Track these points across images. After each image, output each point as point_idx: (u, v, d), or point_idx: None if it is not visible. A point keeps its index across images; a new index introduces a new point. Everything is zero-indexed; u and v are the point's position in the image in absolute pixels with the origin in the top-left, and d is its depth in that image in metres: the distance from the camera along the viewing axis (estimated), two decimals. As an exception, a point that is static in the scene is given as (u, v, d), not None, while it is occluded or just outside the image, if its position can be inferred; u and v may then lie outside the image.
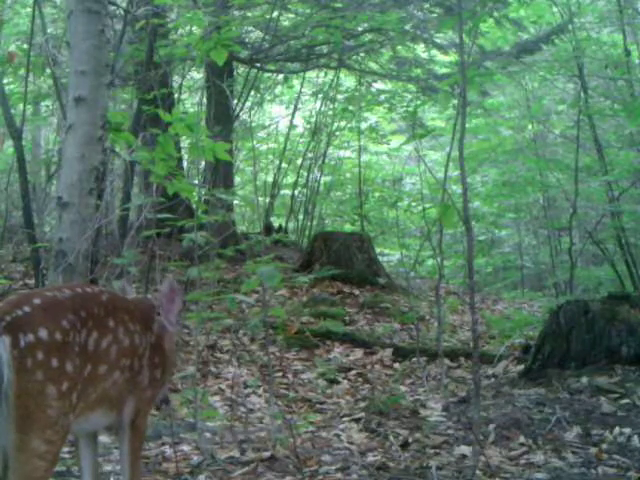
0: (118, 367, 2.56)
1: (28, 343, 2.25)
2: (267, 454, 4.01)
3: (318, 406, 5.51)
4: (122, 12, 8.08)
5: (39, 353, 2.26)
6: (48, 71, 8.20)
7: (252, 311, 7.49)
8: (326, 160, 13.69)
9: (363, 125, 12.98)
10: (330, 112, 13.05)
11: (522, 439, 4.24)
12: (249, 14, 10.24)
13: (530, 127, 12.71)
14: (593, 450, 4.05)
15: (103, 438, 3.60)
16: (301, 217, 13.16)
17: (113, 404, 2.62)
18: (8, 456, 2.26)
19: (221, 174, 9.71)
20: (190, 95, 13.48)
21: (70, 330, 2.36)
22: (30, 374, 2.24)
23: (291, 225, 13.35)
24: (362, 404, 5.39)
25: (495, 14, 9.32)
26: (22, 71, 8.73)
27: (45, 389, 2.26)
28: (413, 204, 11.53)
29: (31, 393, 2.24)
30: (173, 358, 3.00)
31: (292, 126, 13.81)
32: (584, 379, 5.16)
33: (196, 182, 8.15)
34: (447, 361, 6.50)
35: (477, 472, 3.65)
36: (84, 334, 2.42)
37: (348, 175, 14.37)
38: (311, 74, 13.19)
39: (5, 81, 8.92)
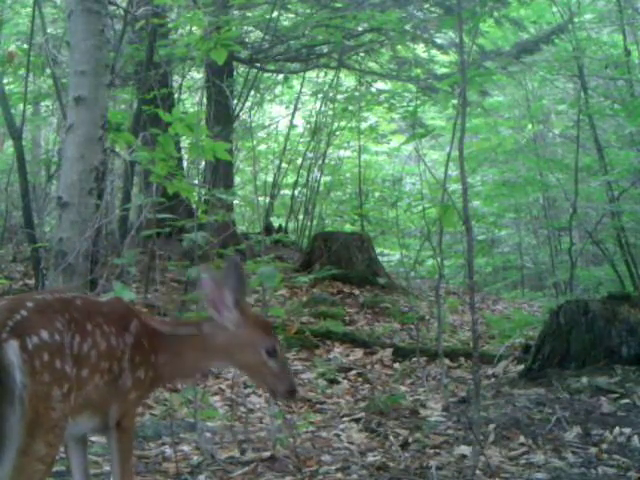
0: (98, 370, 2.53)
1: (35, 345, 2.25)
2: (267, 454, 4.00)
3: (318, 406, 5.51)
4: (122, 12, 8.08)
5: (45, 354, 2.27)
6: (48, 71, 8.20)
7: (252, 311, 7.48)
8: (326, 160, 13.69)
9: (363, 125, 12.97)
10: (330, 112, 13.05)
11: (522, 439, 4.24)
12: (249, 14, 10.24)
13: (530, 127, 12.72)
14: (593, 450, 4.05)
15: (103, 439, 3.59)
16: (301, 217, 13.15)
17: (96, 408, 2.59)
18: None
19: (221, 174, 9.71)
20: (190, 95, 13.47)
21: (63, 332, 2.37)
22: (39, 376, 2.24)
23: (291, 225, 13.34)
24: (362, 404, 5.39)
25: (495, 14, 9.33)
26: (22, 71, 8.72)
27: (51, 391, 2.26)
28: (413, 204, 11.53)
29: (40, 395, 2.24)
30: (244, 352, 2.76)
31: (292, 126, 13.81)
32: (584, 379, 5.16)
33: (196, 182, 8.15)
34: (447, 361, 6.50)
35: (477, 472, 3.65)
36: (69, 337, 2.42)
37: (348, 175, 14.37)
38: (311, 74, 13.19)
39: (5, 81, 8.92)
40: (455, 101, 8.95)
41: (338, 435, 4.56)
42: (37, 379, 2.23)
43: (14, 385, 2.20)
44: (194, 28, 9.36)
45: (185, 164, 11.39)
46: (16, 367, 2.21)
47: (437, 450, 4.16)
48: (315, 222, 13.10)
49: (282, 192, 13.89)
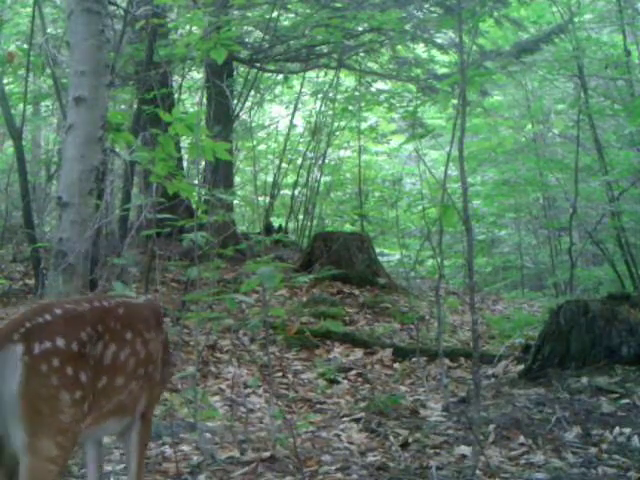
0: (134, 377, 2.63)
1: (44, 350, 2.30)
2: (267, 454, 4.00)
3: (318, 406, 5.51)
4: (122, 12, 8.08)
5: (55, 360, 2.31)
6: (48, 71, 8.20)
7: (252, 311, 7.49)
8: (326, 160, 13.68)
9: (363, 125, 12.97)
10: (330, 112, 13.04)
11: (522, 439, 4.24)
12: (249, 14, 10.23)
13: (530, 127, 12.72)
14: (593, 450, 4.05)
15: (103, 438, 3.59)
16: (301, 217, 13.15)
17: (127, 411, 2.70)
18: (16, 461, 2.29)
19: (221, 174, 9.71)
20: (190, 95, 13.47)
21: (87, 342, 2.42)
22: (45, 379, 2.28)
23: (291, 225, 13.33)
24: (362, 404, 5.39)
25: (495, 14, 9.32)
26: (22, 71, 8.73)
27: (59, 395, 2.30)
28: (413, 204, 11.52)
29: (45, 398, 2.28)
30: None
31: (292, 126, 13.80)
32: (584, 379, 5.16)
33: (196, 182, 8.15)
34: (447, 361, 6.50)
35: (477, 472, 3.65)
36: (100, 347, 2.47)
37: (348, 175, 14.36)
38: (311, 74, 13.18)
39: (5, 81, 8.92)
40: (455, 101, 8.95)
41: (338, 435, 4.56)
42: (42, 381, 2.27)
43: (11, 388, 2.25)
44: (194, 28, 9.36)
45: (185, 164, 11.40)
46: (14, 367, 2.25)
47: (437, 450, 4.16)
48: (315, 222, 13.09)
49: (282, 192, 13.88)
